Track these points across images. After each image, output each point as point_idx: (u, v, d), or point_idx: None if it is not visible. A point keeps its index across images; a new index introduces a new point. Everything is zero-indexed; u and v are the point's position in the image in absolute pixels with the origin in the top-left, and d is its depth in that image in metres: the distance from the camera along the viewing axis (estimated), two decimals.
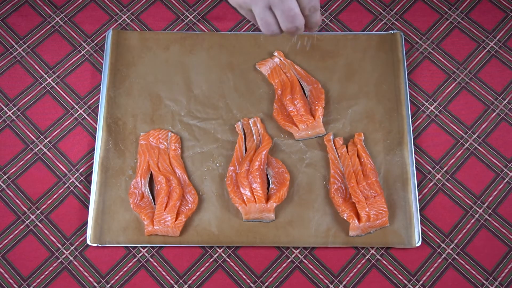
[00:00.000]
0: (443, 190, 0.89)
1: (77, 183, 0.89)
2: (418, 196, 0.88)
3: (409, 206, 0.86)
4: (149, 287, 0.83)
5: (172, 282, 0.84)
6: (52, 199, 0.88)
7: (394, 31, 0.97)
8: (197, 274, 0.84)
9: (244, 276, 0.84)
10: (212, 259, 0.85)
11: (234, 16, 1.00)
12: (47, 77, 0.96)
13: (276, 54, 0.95)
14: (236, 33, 0.98)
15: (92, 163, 0.89)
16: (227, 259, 0.85)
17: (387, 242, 0.84)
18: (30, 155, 0.91)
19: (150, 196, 0.87)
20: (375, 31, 0.99)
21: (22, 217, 0.87)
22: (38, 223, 0.87)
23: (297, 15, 0.67)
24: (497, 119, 0.93)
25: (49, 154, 0.91)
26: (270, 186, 0.87)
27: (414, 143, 0.91)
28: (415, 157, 0.90)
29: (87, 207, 0.87)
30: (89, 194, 0.88)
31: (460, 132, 0.92)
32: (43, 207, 0.88)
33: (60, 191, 0.88)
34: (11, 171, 0.90)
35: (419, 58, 0.97)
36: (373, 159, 0.88)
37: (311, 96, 0.92)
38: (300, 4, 0.67)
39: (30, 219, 0.87)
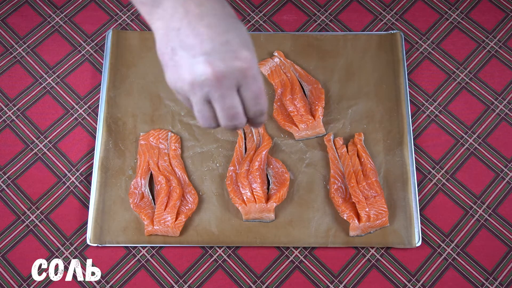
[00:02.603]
0: (443, 190, 0.89)
1: (77, 183, 0.89)
2: (418, 196, 0.88)
3: (409, 206, 0.86)
4: (149, 287, 0.83)
5: (172, 282, 0.84)
6: (52, 199, 0.88)
7: (394, 31, 0.97)
8: (197, 274, 0.84)
9: (244, 276, 0.84)
10: (212, 259, 0.85)
11: None
12: (47, 77, 0.96)
13: (276, 54, 0.95)
14: None
15: (92, 163, 0.89)
16: (227, 259, 0.85)
17: (387, 242, 0.84)
18: (30, 155, 0.91)
19: (150, 196, 0.87)
20: (375, 31, 0.99)
21: (22, 217, 0.87)
22: (38, 223, 0.87)
23: (238, 115, 0.59)
24: (497, 119, 0.93)
25: (49, 154, 0.91)
26: (270, 186, 0.87)
27: (414, 143, 0.91)
28: (415, 157, 0.90)
29: (87, 207, 0.87)
30: (89, 194, 0.88)
31: (460, 132, 0.92)
32: (43, 207, 0.88)
33: (60, 191, 0.89)
34: (11, 171, 0.90)
35: (419, 58, 0.97)
36: (373, 159, 0.88)
37: (311, 96, 0.92)
38: (245, 105, 0.59)
39: (30, 219, 0.87)
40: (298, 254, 0.85)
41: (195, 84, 0.56)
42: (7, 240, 0.86)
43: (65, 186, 0.89)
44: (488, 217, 0.87)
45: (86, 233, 0.85)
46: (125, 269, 0.84)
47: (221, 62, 0.55)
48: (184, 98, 0.60)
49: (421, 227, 0.86)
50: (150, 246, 0.85)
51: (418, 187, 0.88)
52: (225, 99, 0.57)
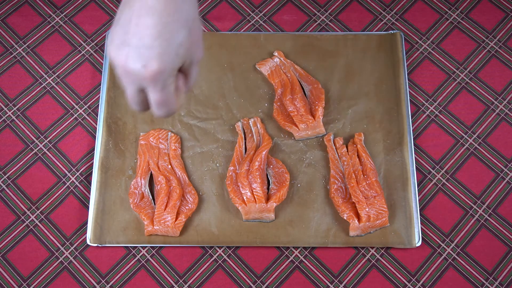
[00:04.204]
0: (443, 190, 0.89)
1: (77, 183, 0.89)
2: (418, 196, 0.88)
3: (409, 206, 0.86)
4: (149, 287, 0.83)
5: (172, 282, 0.84)
6: (52, 199, 0.88)
7: (394, 31, 0.97)
8: (197, 274, 0.84)
9: (244, 276, 0.84)
10: (212, 259, 0.85)
11: (234, 16, 1.00)
12: (47, 77, 0.96)
13: (276, 54, 0.95)
14: (236, 33, 0.98)
15: (92, 163, 0.89)
16: (227, 259, 0.85)
17: (387, 242, 0.84)
18: (30, 155, 0.91)
19: (150, 196, 0.87)
20: (375, 31, 0.99)
21: (22, 217, 0.87)
22: (38, 223, 0.87)
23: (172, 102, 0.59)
24: (497, 119, 0.93)
25: (49, 154, 0.91)
26: (270, 186, 0.87)
27: (414, 143, 0.91)
28: (415, 157, 0.90)
29: (87, 207, 0.87)
30: (89, 194, 0.88)
31: (460, 132, 0.92)
32: (43, 207, 0.88)
33: (60, 191, 0.89)
34: (11, 171, 0.90)
35: (419, 58, 0.97)
36: (373, 159, 0.88)
37: (311, 96, 0.92)
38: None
39: (30, 219, 0.87)
40: (298, 254, 0.85)
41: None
42: (7, 240, 0.86)
43: (65, 186, 0.89)
44: (488, 217, 0.87)
45: (86, 233, 0.85)
46: (125, 269, 0.84)
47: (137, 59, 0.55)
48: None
49: (421, 227, 0.86)
50: (150, 246, 0.85)
51: (418, 187, 0.88)
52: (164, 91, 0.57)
